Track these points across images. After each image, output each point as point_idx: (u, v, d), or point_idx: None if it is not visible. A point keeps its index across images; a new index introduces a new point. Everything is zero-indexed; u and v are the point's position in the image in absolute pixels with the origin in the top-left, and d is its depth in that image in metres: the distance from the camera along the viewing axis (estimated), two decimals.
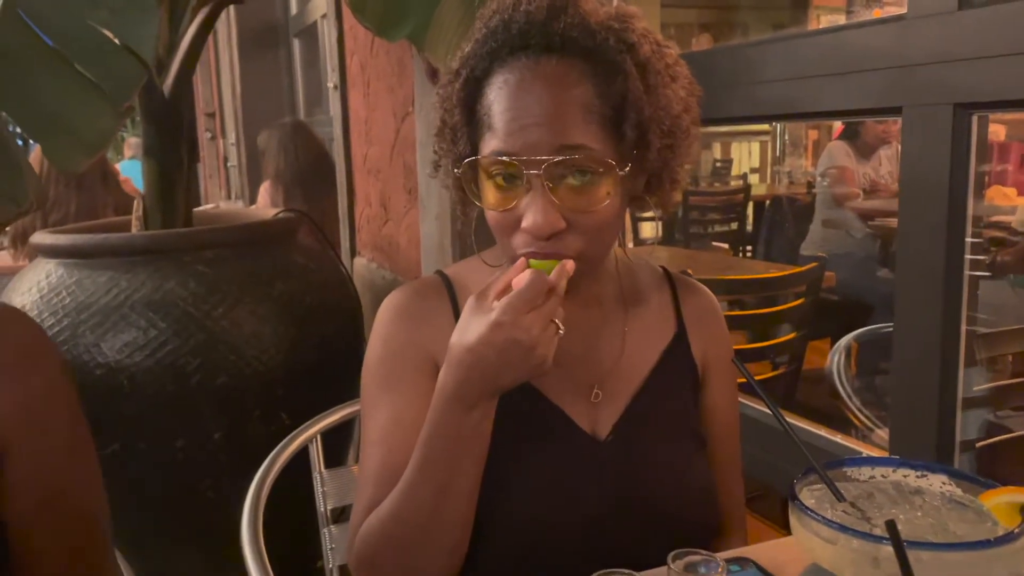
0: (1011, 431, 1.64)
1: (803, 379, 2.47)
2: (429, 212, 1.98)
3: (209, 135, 6.97)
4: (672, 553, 0.67)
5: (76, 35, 1.21)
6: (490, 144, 0.82)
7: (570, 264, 0.80)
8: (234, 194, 6.03)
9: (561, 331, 0.77)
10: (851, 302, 3.11)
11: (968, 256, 1.20)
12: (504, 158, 0.80)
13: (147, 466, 1.87)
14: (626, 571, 0.65)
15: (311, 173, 3.59)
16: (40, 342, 0.84)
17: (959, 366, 1.23)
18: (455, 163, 0.89)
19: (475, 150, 0.86)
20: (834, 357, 1.87)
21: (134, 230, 2.08)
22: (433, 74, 1.77)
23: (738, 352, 0.90)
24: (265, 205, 3.70)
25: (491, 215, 0.85)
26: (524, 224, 0.81)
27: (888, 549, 0.51)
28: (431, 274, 1.02)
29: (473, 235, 0.94)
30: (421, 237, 2.05)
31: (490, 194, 0.84)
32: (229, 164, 6.18)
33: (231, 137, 5.90)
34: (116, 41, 1.24)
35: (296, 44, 5.23)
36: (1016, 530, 0.60)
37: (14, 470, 0.79)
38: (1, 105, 1.18)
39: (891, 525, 0.49)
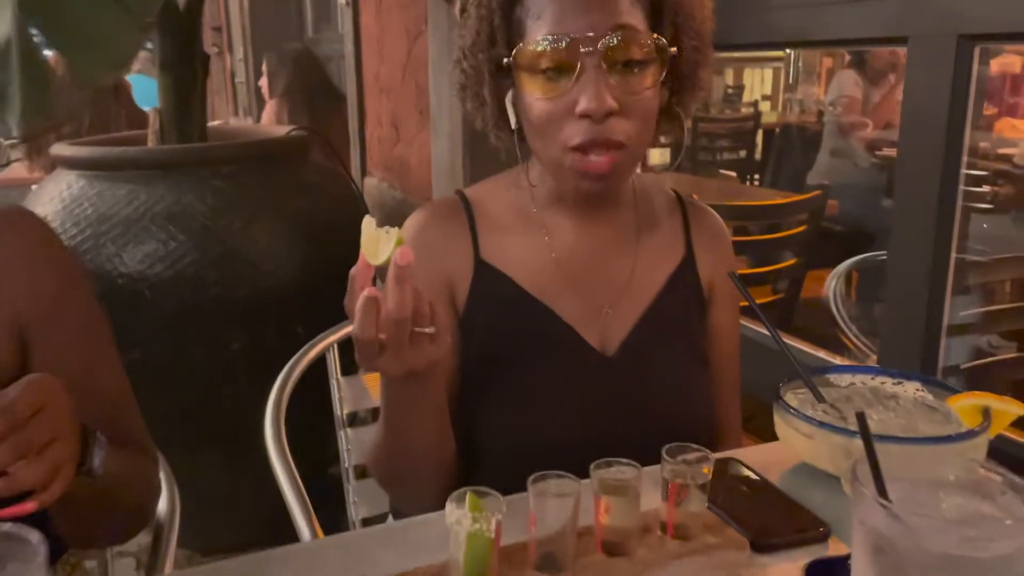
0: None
1: (802, 306, 2.53)
2: (441, 133, 2.01)
3: (216, 50, 6.89)
4: (667, 446, 0.74)
5: None
6: (538, 32, 0.85)
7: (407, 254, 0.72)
8: (242, 111, 6.00)
9: (429, 330, 0.74)
10: (853, 231, 3.14)
11: (962, 187, 1.24)
12: (559, 37, 0.83)
13: (167, 374, 1.95)
14: (625, 460, 0.72)
15: (317, 96, 3.60)
16: (52, 237, 0.90)
17: (946, 293, 1.28)
18: (495, 67, 0.90)
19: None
20: (831, 283, 1.93)
21: (151, 143, 2.11)
22: None
23: (739, 276, 0.94)
24: (270, 123, 3.72)
25: (540, 107, 0.87)
26: (580, 107, 0.83)
27: (859, 442, 0.58)
28: (451, 194, 1.05)
29: (505, 154, 0.97)
30: (432, 158, 2.09)
31: (538, 86, 0.86)
32: (237, 80, 6.13)
33: (238, 53, 5.84)
34: None
35: None
36: (976, 428, 0.66)
37: (40, 353, 0.86)
38: (31, 19, 1.21)
39: (860, 416, 0.55)
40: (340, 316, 1.46)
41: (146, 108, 3.59)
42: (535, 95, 0.87)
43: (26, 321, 0.86)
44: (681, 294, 1.02)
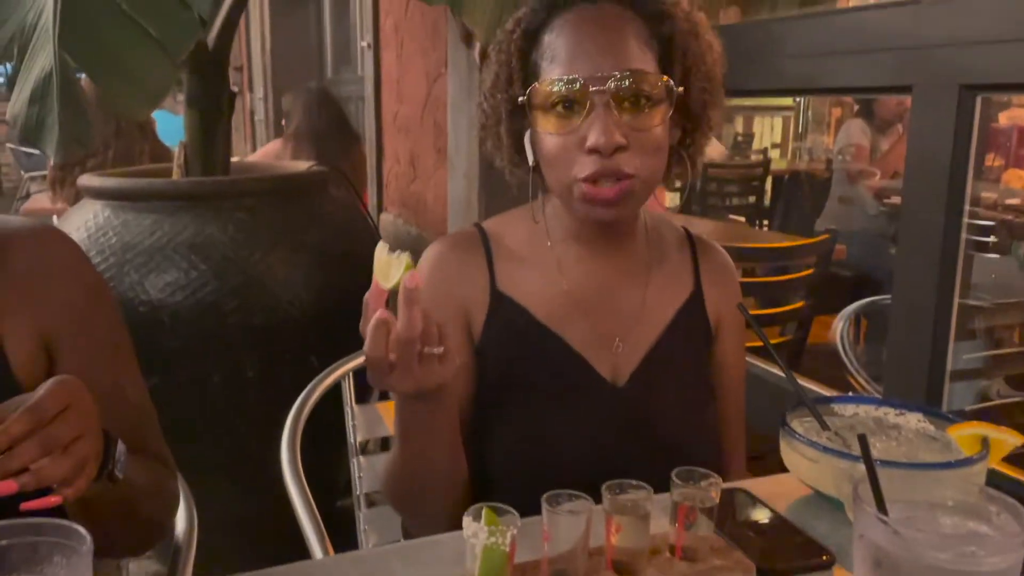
0: None
1: (810, 350, 2.55)
2: (458, 170, 2.06)
3: (236, 89, 7.03)
4: (677, 470, 0.76)
5: None
6: (552, 74, 0.91)
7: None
8: (260, 148, 6.10)
9: (438, 350, 0.78)
10: (861, 276, 3.17)
11: (965, 236, 1.27)
12: (571, 79, 0.89)
13: (185, 399, 1.98)
14: (635, 481, 0.74)
15: (326, 136, 3.68)
16: (79, 252, 0.95)
17: (950, 337, 1.31)
18: (512, 107, 0.97)
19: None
20: (839, 325, 1.95)
21: (175, 176, 2.17)
22: (468, 38, 1.84)
23: (747, 309, 0.98)
24: (262, 157, 3.79)
25: (553, 142, 0.92)
26: (589, 142, 0.89)
27: (863, 467, 0.60)
28: (469, 226, 1.09)
29: (517, 190, 1.02)
30: (448, 194, 2.14)
31: (551, 123, 0.91)
32: (256, 118, 6.25)
33: (259, 92, 5.97)
34: None
35: (326, 2, 5.28)
36: (974, 456, 0.69)
37: (66, 364, 0.89)
38: (72, 54, 1.27)
39: (862, 438, 0.58)
40: (354, 346, 1.49)
41: (168, 143, 3.68)
42: (548, 130, 0.92)
43: (53, 333, 0.89)
44: (689, 327, 1.06)
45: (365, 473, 1.39)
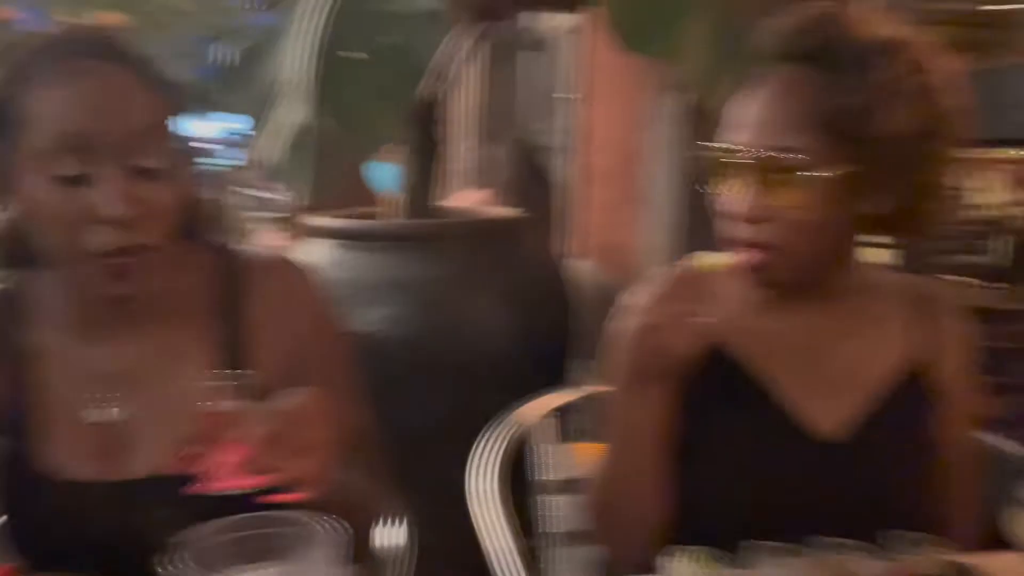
0: None
1: None
2: (655, 220, 2.07)
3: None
4: (887, 532, 0.72)
5: (376, 46, 1.44)
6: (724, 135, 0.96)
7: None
8: (465, 195, 6.38)
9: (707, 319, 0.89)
10: None
11: None
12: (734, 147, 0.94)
13: (384, 429, 2.10)
14: (852, 541, 0.71)
15: (527, 186, 3.81)
16: (313, 283, 1.05)
17: None
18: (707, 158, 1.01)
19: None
20: None
21: (389, 218, 2.34)
22: (676, 89, 1.86)
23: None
24: (462, 201, 3.95)
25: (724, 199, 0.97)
26: (729, 209, 0.94)
27: None
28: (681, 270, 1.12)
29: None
30: (646, 244, 2.15)
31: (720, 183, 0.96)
32: (459, 168, 6.56)
33: (463, 143, 6.28)
34: (406, 52, 1.45)
35: (528, 57, 5.48)
36: None
37: (299, 384, 0.98)
38: (324, 106, 1.43)
39: None
40: (544, 386, 1.53)
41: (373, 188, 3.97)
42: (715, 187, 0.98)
43: (289, 353, 0.98)
44: (909, 383, 1.01)
45: (552, 513, 1.40)
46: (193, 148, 0.97)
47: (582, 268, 2.74)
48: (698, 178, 1.01)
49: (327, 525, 0.59)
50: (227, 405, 0.76)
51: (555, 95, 4.36)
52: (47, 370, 0.95)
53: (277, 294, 0.99)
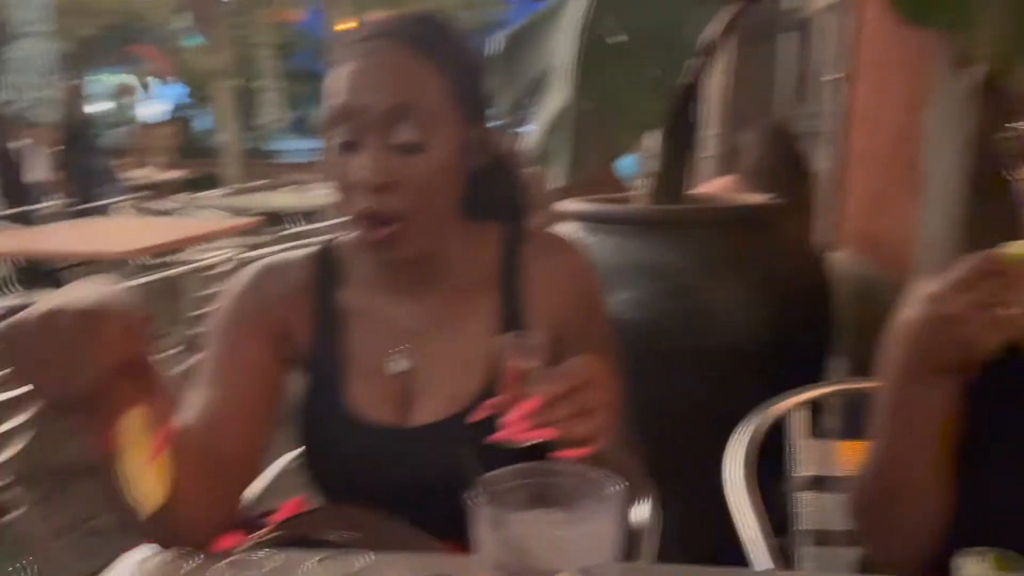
0: None
1: None
2: (933, 207, 1.90)
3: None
4: None
5: (639, 31, 1.45)
6: None
7: None
8: (711, 182, 6.24)
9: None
10: None
11: None
12: None
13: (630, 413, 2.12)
14: None
15: (780, 172, 3.62)
16: (588, 260, 1.12)
17: None
18: None
19: None
20: None
21: (640, 203, 2.35)
22: (963, 63, 1.69)
23: None
24: (714, 191, 3.83)
25: None
26: None
27: None
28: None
29: None
30: (920, 234, 1.98)
31: None
32: (704, 155, 6.41)
33: (712, 128, 6.13)
34: (670, 35, 1.45)
35: (786, 38, 5.24)
36: None
37: (571, 352, 1.03)
38: (584, 90, 1.47)
39: None
40: (791, 382, 1.47)
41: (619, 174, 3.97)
42: None
43: (562, 328, 1.05)
44: None
45: (807, 510, 1.35)
46: (477, 130, 1.03)
47: (843, 259, 2.58)
48: (1002, 163, 0.92)
49: (610, 479, 0.62)
50: (522, 363, 0.82)
51: (816, 76, 4.13)
52: (355, 322, 1.07)
53: (554, 270, 1.07)
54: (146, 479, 0.66)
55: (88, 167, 6.76)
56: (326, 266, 1.10)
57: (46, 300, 0.73)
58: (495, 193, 1.08)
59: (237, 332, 1.06)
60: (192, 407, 1.00)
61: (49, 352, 0.70)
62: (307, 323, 1.07)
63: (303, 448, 1.08)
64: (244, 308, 1.07)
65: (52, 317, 0.71)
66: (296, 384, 1.10)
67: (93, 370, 0.70)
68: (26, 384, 0.72)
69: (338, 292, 1.08)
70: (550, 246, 1.09)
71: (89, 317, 0.71)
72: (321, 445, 1.06)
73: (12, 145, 6.09)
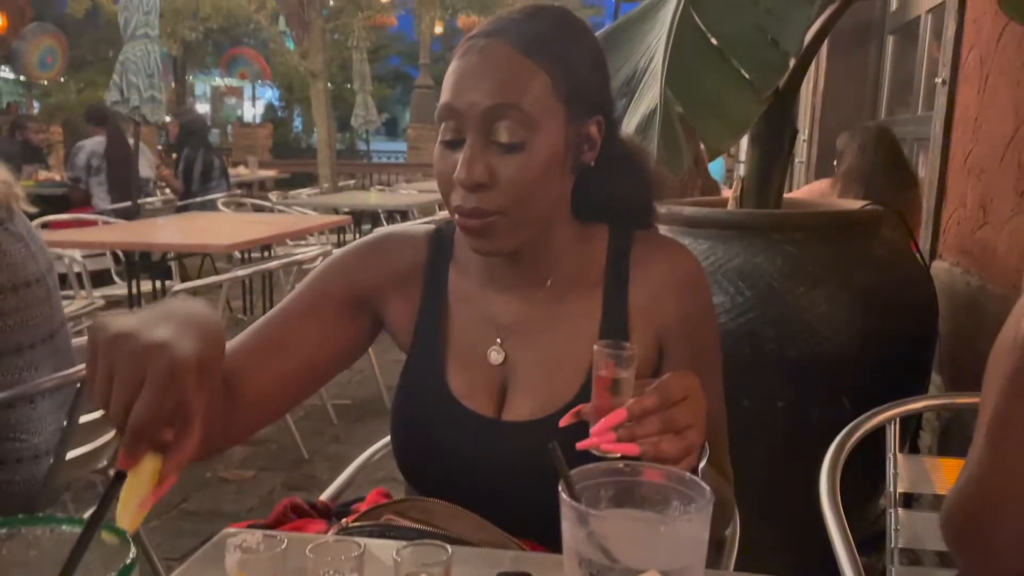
0: None
1: None
2: None
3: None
4: None
5: (734, 32, 1.43)
6: None
7: None
8: (805, 186, 6.09)
9: None
10: None
11: None
12: None
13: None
14: None
15: (879, 177, 3.50)
16: (701, 269, 1.09)
17: None
18: None
19: None
20: None
21: (730, 207, 2.30)
22: None
23: None
24: (808, 195, 3.71)
25: None
26: None
27: None
28: None
29: None
30: None
31: None
32: (796, 160, 6.25)
33: (803, 133, 5.97)
34: (767, 36, 1.42)
35: (890, 41, 5.06)
36: None
37: (670, 363, 1.02)
38: (675, 92, 1.46)
39: None
40: (887, 396, 1.42)
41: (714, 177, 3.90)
42: None
43: (668, 333, 1.03)
44: None
45: (901, 527, 1.31)
46: (588, 128, 1.00)
47: (943, 270, 2.48)
48: None
49: (698, 486, 0.61)
50: (614, 372, 0.82)
51: (920, 80, 3.97)
52: (459, 307, 1.08)
53: (664, 275, 1.04)
54: (128, 511, 0.66)
55: (205, 163, 7.08)
56: (441, 247, 1.11)
57: (128, 316, 0.72)
58: (611, 192, 1.05)
59: (328, 281, 1.07)
60: (252, 328, 1.03)
61: (104, 369, 0.68)
62: (414, 300, 1.08)
63: (397, 424, 1.08)
64: (350, 263, 1.09)
65: (119, 340, 0.68)
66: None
67: (131, 402, 0.66)
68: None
69: (448, 275, 1.09)
70: (663, 251, 1.06)
71: (152, 353, 0.67)
72: (416, 422, 1.06)
73: (122, 142, 6.43)
